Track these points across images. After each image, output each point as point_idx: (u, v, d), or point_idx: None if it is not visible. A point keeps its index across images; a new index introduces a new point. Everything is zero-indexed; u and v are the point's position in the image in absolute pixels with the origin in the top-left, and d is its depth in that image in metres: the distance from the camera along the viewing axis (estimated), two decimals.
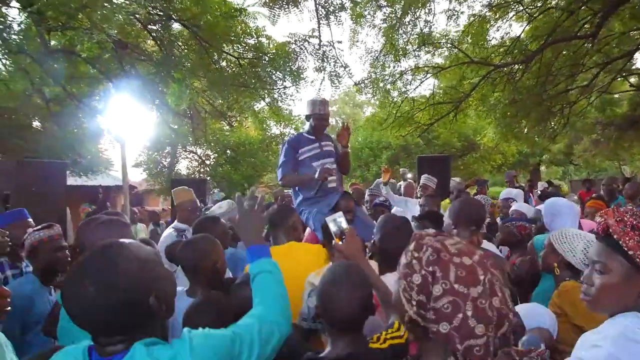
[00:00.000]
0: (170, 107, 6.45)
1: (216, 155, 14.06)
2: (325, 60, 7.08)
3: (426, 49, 9.80)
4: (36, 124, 8.99)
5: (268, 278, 1.40)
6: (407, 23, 8.95)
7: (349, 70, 7.58)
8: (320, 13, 6.58)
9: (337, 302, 1.45)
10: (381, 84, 10.01)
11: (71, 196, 9.13)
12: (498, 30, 10.01)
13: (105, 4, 4.73)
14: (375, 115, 12.68)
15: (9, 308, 1.87)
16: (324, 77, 7.28)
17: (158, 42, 6.20)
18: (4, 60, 6.05)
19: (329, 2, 6.57)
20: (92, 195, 8.98)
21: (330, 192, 3.58)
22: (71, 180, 10.88)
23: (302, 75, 6.93)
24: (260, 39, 6.70)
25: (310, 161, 3.66)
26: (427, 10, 9.02)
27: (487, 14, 9.72)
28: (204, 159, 14.00)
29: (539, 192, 8.25)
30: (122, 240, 1.15)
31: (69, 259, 2.64)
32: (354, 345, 1.43)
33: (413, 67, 10.06)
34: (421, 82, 10.25)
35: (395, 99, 10.37)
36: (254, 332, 1.19)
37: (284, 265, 1.65)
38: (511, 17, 10.11)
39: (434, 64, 10.65)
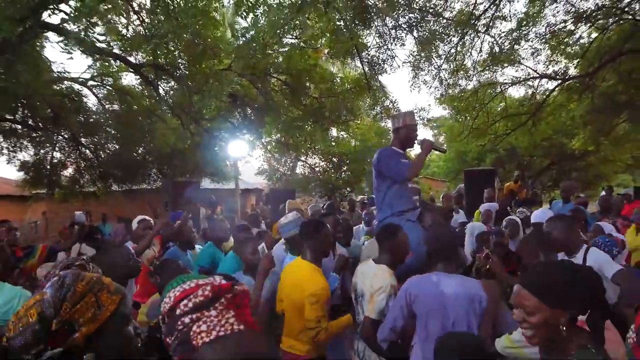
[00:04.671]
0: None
1: (324, 163, 16.53)
2: (376, 99, 8.83)
3: (495, 67, 10.66)
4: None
5: None
6: (472, 47, 10.01)
7: (396, 104, 9.16)
8: (367, 62, 8.39)
9: None
10: (455, 103, 11.20)
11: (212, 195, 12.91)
12: (570, 44, 10.36)
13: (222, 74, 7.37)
14: (452, 127, 13.68)
15: None
16: (376, 113, 9.06)
17: (260, 92, 8.75)
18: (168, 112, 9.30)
19: (376, 56, 8.36)
20: (224, 196, 12.19)
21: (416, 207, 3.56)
22: (211, 185, 14.50)
23: (358, 112, 8.83)
24: (333, 81, 8.82)
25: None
26: (493, 36, 9.97)
27: (559, 29, 10.18)
28: (314, 167, 16.57)
29: None
30: None
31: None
32: None
33: (484, 83, 11.00)
34: (492, 98, 11.11)
35: (470, 113, 11.43)
36: None
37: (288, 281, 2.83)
38: (586, 30, 10.36)
39: (512, 78, 11.37)
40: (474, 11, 9.25)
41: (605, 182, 21.19)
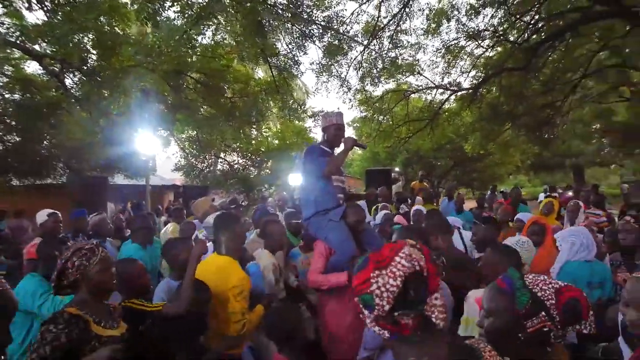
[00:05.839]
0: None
1: (243, 160, 16.78)
2: (284, 101, 9.47)
3: (399, 76, 11.74)
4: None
5: None
6: (380, 55, 10.93)
7: (304, 107, 9.86)
8: (275, 67, 8.98)
9: None
10: (363, 107, 12.15)
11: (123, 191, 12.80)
12: (462, 59, 11.74)
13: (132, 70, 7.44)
14: (361, 130, 14.72)
15: None
16: (285, 114, 9.69)
17: (173, 89, 8.89)
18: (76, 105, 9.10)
19: (284, 61, 8.96)
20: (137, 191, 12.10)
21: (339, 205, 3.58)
22: (126, 181, 14.16)
23: (266, 115, 9.38)
24: (247, 82, 9.23)
25: None
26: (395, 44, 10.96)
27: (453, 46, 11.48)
28: (232, 164, 16.73)
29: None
30: None
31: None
32: None
33: (389, 90, 12.07)
34: (397, 103, 12.21)
35: (376, 118, 12.46)
36: None
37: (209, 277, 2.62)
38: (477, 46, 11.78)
39: (414, 87, 12.56)
40: (378, 24, 10.15)
41: (498, 182, 23.78)
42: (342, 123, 3.67)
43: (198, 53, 8.54)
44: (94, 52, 7.27)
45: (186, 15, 5.99)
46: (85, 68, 7.87)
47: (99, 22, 5.98)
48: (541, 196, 14.39)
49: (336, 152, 3.71)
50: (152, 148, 9.59)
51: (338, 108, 11.38)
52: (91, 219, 5.14)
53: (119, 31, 7.86)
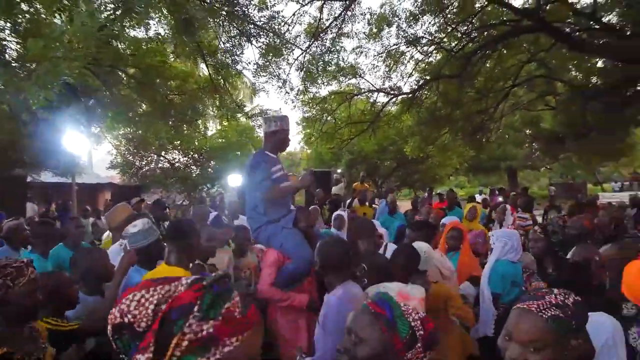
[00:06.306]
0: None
1: (186, 158, 16.28)
2: (222, 100, 9.32)
3: (341, 78, 11.87)
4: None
5: None
6: (320, 57, 10.97)
7: (243, 107, 9.75)
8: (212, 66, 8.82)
9: None
10: (306, 108, 12.18)
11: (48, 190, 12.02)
12: (403, 64, 12.08)
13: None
14: (304, 132, 14.78)
15: None
16: (223, 113, 9.54)
17: (104, 84, 8.43)
18: None
19: (223, 60, 8.81)
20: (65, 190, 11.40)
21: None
22: (55, 179, 13.29)
23: (204, 113, 9.18)
24: (185, 79, 8.97)
25: (281, 181, 3.47)
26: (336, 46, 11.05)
27: (393, 50, 11.78)
28: (173, 162, 16.18)
29: None
30: None
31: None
32: None
33: (332, 92, 12.18)
34: (339, 105, 12.36)
35: (318, 119, 12.53)
36: None
37: None
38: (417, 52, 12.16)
39: (356, 90, 12.73)
40: (320, 26, 10.21)
41: (439, 183, 24.72)
42: (289, 129, 3.57)
43: (128, 48, 8.19)
44: (13, 40, 6.75)
45: (108, 8, 5.67)
46: (1, 58, 7.30)
47: (15, 9, 5.52)
48: (477, 197, 15.17)
49: (280, 156, 3.60)
50: (83, 145, 9.08)
51: (280, 109, 11.34)
52: (5, 224, 4.66)
53: (46, 17, 7.33)
